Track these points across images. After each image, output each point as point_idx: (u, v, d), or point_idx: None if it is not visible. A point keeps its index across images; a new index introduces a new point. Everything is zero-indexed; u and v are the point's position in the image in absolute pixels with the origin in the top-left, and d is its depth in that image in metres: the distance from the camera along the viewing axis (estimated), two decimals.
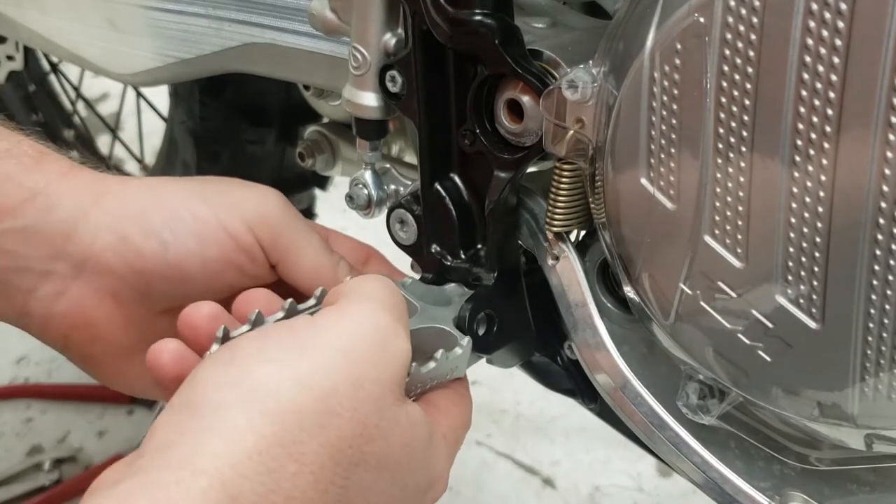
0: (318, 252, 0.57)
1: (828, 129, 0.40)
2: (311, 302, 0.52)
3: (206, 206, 0.53)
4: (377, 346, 0.43)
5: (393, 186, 0.64)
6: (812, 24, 0.39)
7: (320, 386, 0.40)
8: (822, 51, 0.39)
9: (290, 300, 0.51)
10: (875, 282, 0.42)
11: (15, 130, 0.55)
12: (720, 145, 0.44)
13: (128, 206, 0.53)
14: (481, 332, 0.56)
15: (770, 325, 0.46)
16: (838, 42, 0.38)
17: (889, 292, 0.42)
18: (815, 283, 0.43)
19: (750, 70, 0.42)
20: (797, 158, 0.41)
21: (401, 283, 0.58)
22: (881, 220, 0.40)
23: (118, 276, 0.52)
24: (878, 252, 0.41)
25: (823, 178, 0.41)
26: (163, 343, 0.49)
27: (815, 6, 0.38)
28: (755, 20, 0.41)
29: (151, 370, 0.49)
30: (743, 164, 0.43)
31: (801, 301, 0.44)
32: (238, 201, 0.54)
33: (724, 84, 0.43)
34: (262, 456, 0.38)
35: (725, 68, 0.42)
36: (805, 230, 0.43)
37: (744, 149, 0.43)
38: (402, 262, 0.64)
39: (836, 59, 0.39)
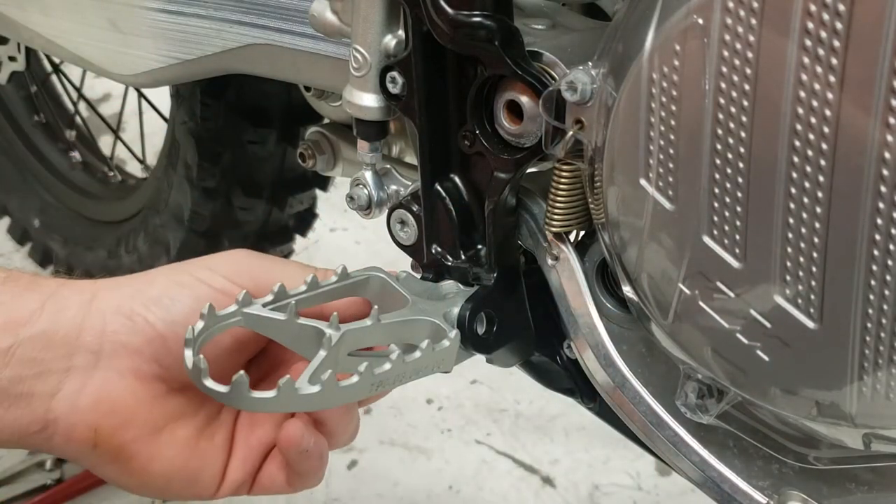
0: (292, 266, 0.61)
1: (826, 129, 0.40)
2: (333, 279, 0.56)
3: (188, 276, 0.58)
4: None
5: (393, 187, 0.64)
6: (810, 25, 0.39)
7: None
8: (820, 52, 0.39)
9: (312, 275, 0.55)
10: (873, 281, 0.42)
11: None
12: (719, 146, 0.44)
13: (124, 290, 0.58)
14: (481, 331, 0.56)
15: (768, 324, 0.46)
16: (836, 43, 0.39)
17: (887, 292, 0.42)
18: (813, 282, 0.43)
19: (748, 71, 0.42)
20: (795, 159, 0.42)
21: (395, 276, 0.58)
22: (879, 221, 0.40)
23: (134, 350, 0.55)
24: (875, 252, 0.41)
25: (821, 178, 0.41)
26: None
27: (813, 7, 0.39)
28: (753, 21, 0.41)
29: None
30: (741, 165, 0.44)
31: (800, 301, 0.44)
32: (212, 265, 0.59)
33: (723, 85, 0.43)
34: None
35: (724, 69, 0.42)
36: (803, 230, 0.43)
37: (742, 149, 0.43)
38: (403, 261, 0.64)
39: (833, 60, 0.39)
